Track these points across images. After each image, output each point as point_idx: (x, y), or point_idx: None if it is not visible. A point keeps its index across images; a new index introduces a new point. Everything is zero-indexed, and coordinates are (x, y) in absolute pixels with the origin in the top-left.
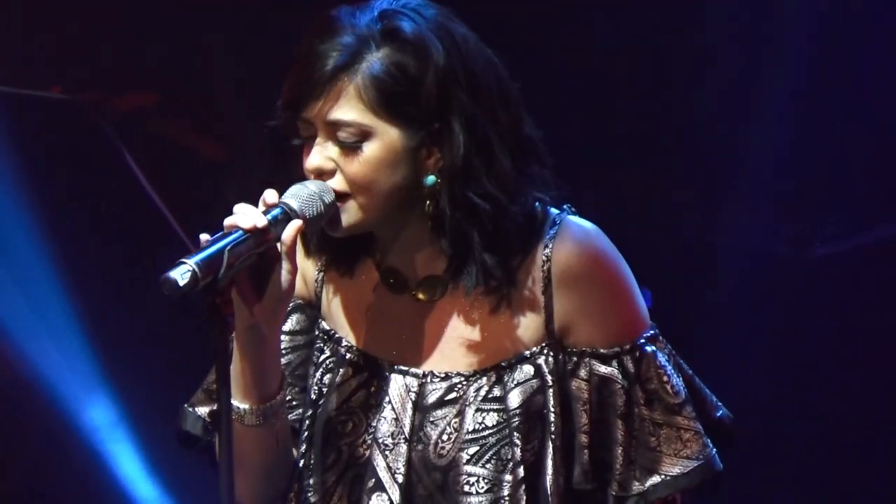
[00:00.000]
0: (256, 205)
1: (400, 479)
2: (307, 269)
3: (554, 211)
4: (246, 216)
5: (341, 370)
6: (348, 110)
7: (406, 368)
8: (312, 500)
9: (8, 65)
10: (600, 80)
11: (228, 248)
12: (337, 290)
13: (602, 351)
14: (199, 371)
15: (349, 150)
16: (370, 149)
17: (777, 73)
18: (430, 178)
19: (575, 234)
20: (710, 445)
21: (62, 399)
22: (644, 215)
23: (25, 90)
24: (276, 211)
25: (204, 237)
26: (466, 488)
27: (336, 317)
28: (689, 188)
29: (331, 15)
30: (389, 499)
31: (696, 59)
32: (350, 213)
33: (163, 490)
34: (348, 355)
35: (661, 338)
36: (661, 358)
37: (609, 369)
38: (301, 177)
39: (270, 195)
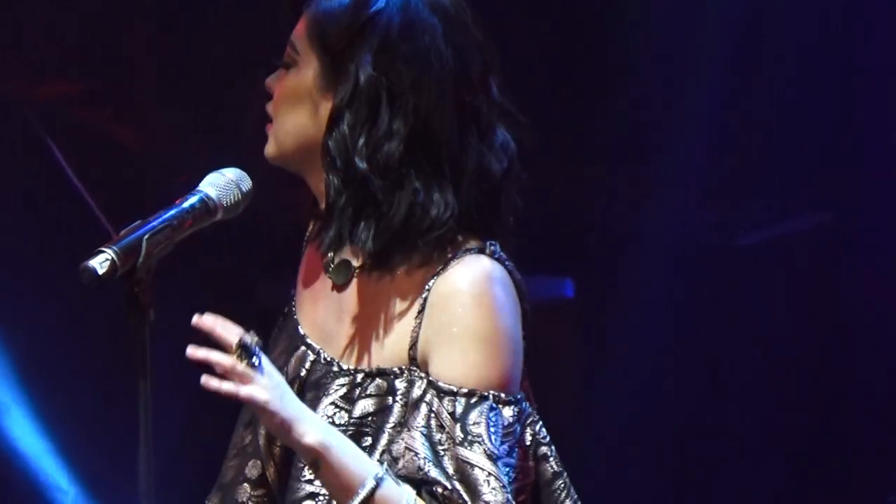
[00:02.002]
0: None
1: (275, 448)
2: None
3: (473, 244)
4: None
5: (278, 337)
6: (297, 35)
7: (310, 342)
8: (230, 453)
9: None
10: (523, 67)
11: (147, 236)
12: (303, 268)
13: (441, 385)
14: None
15: (282, 73)
16: (291, 75)
17: (701, 61)
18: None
19: (467, 268)
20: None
21: None
22: (568, 202)
23: None
24: (193, 199)
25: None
26: (305, 474)
27: (298, 302)
28: (614, 175)
29: None
30: (262, 465)
31: (620, 47)
32: (272, 138)
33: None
34: (294, 324)
35: (519, 410)
36: (501, 421)
37: (438, 404)
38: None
39: None
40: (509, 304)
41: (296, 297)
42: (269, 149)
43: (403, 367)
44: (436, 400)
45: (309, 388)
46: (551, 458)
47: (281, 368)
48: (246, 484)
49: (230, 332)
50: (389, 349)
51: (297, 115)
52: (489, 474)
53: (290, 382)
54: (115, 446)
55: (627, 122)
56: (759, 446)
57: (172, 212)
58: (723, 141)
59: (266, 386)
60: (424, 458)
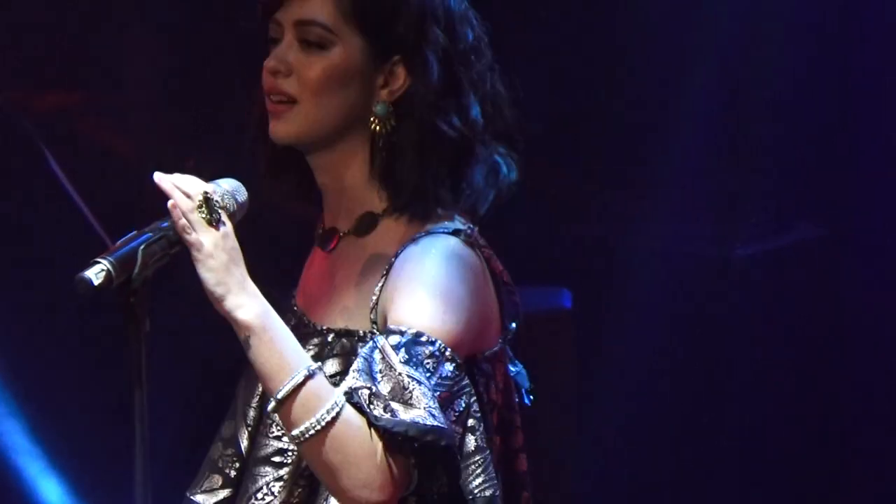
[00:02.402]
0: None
1: (249, 411)
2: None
3: (448, 227)
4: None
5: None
6: (322, 11)
7: (295, 309)
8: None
9: None
10: (519, 83)
11: (142, 246)
12: (309, 261)
13: (390, 326)
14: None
15: (311, 52)
16: (331, 55)
17: (696, 73)
18: (381, 107)
19: (434, 240)
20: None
21: None
22: (566, 214)
23: None
24: None
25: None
26: (273, 431)
27: (302, 280)
28: (610, 187)
29: None
30: (235, 426)
31: (614, 61)
32: (291, 120)
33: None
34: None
35: (459, 372)
36: (436, 368)
37: (384, 342)
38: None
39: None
40: (473, 280)
41: (297, 289)
42: (291, 128)
43: (365, 330)
44: (382, 338)
45: None
46: (478, 433)
47: None
48: (219, 442)
49: (195, 185)
50: (356, 312)
51: (343, 96)
52: (433, 394)
53: None
54: (111, 456)
55: (623, 133)
56: (755, 456)
57: (169, 222)
58: (718, 152)
59: (216, 243)
60: (357, 370)
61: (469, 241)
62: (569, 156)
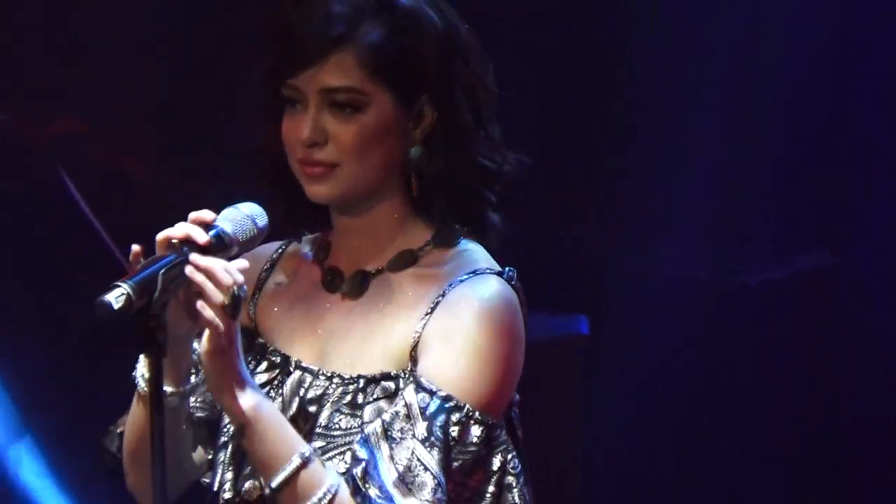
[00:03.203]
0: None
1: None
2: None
3: (489, 263)
4: (198, 231)
5: (259, 369)
6: (347, 77)
7: (306, 366)
8: (210, 481)
9: None
10: (529, 107)
11: (163, 271)
12: (273, 300)
13: (422, 381)
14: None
15: (344, 119)
16: (366, 117)
17: (704, 101)
18: (416, 151)
19: (483, 286)
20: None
21: None
22: (578, 244)
23: None
24: (211, 233)
25: (135, 248)
26: None
27: (270, 329)
28: (622, 215)
29: None
30: (260, 484)
31: (622, 88)
32: (334, 182)
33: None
34: (270, 357)
35: (488, 434)
36: (472, 436)
37: (412, 397)
38: (273, 153)
39: (208, 215)
40: (517, 332)
41: (259, 321)
42: (334, 191)
43: (406, 370)
44: (412, 392)
45: (309, 404)
46: (515, 490)
47: (269, 398)
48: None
49: (227, 277)
50: (395, 352)
51: (382, 151)
52: (439, 485)
53: (287, 404)
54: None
55: (633, 161)
56: (761, 474)
57: (189, 246)
58: (726, 179)
59: (233, 337)
60: (374, 433)
61: (513, 284)
62: (580, 184)
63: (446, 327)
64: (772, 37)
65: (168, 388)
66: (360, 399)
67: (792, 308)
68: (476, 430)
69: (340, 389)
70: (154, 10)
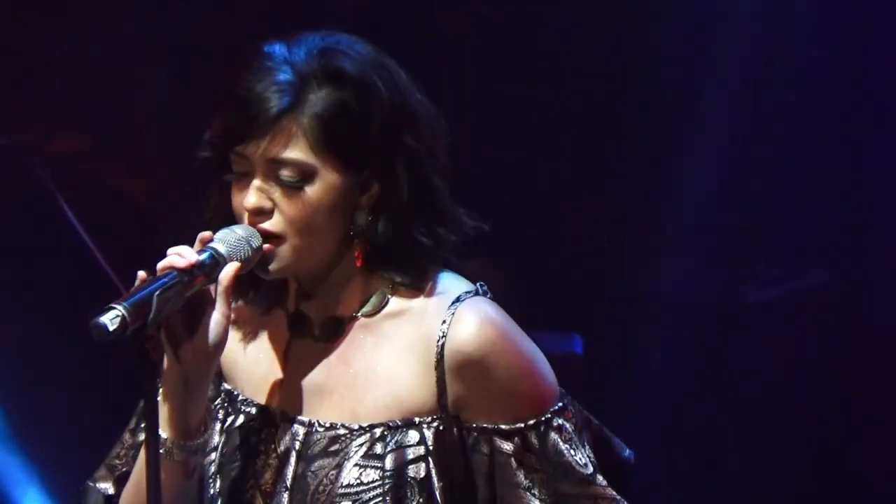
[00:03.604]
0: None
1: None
2: None
3: (463, 286)
4: (181, 256)
5: (236, 423)
6: (292, 149)
7: (294, 416)
8: None
9: None
10: (535, 122)
11: (157, 292)
12: (239, 344)
13: (503, 427)
14: (104, 413)
15: (290, 191)
16: (313, 190)
17: (709, 117)
18: (362, 217)
19: (474, 317)
20: None
21: None
22: (575, 262)
23: None
24: (204, 255)
25: (141, 274)
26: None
27: (235, 373)
28: (620, 235)
29: (264, 51)
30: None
31: (628, 107)
32: (282, 257)
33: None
34: (243, 408)
35: (570, 406)
36: (569, 430)
37: (511, 446)
38: (226, 215)
39: (207, 235)
40: (514, 327)
41: (232, 389)
42: (285, 263)
43: (434, 416)
44: (506, 444)
45: (316, 458)
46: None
47: (256, 452)
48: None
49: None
50: (408, 400)
51: (329, 222)
52: (595, 499)
53: (283, 460)
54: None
55: (635, 177)
56: (762, 496)
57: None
58: (732, 199)
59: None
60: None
61: (488, 297)
62: (580, 200)
63: (479, 385)
64: (782, 56)
65: (175, 439)
66: (378, 449)
67: (796, 328)
68: (569, 416)
69: (356, 442)
70: (162, 28)
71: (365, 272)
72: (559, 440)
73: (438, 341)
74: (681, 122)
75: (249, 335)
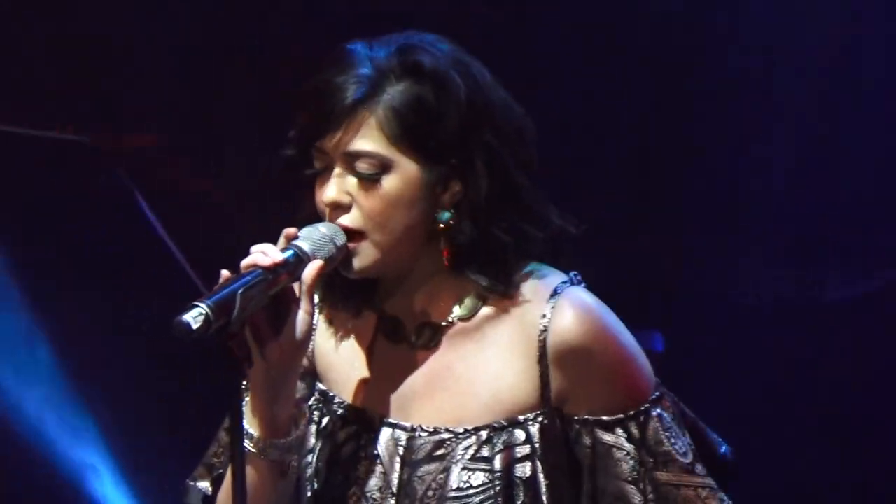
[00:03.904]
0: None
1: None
2: None
3: (557, 277)
4: (264, 254)
5: (332, 425)
6: (369, 141)
7: (395, 421)
8: None
9: (15, 103)
10: (605, 127)
11: (241, 290)
12: (332, 346)
13: (605, 419)
14: (188, 411)
15: (367, 184)
16: (389, 182)
17: (785, 119)
18: (446, 214)
19: (575, 308)
20: (726, 500)
21: (48, 442)
22: (655, 261)
23: (32, 129)
24: (288, 253)
25: (225, 273)
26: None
27: (330, 374)
28: (698, 232)
29: (347, 48)
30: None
31: (703, 106)
32: (364, 254)
33: None
34: (339, 410)
35: (666, 395)
36: (668, 419)
37: (613, 437)
38: (309, 214)
39: (291, 231)
40: (613, 317)
41: (319, 367)
42: (368, 262)
43: (538, 411)
44: (607, 435)
45: (421, 464)
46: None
47: (357, 458)
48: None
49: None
50: (512, 398)
51: (409, 217)
52: (696, 488)
53: (389, 465)
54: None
55: (711, 176)
56: (843, 497)
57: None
58: (810, 198)
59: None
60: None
61: (582, 285)
62: (657, 201)
63: (581, 376)
64: (857, 52)
65: (266, 438)
66: (486, 451)
67: (874, 326)
68: (667, 404)
69: (462, 445)
70: (239, 28)
71: (453, 273)
72: (659, 428)
73: (540, 335)
74: (756, 119)
75: (342, 337)
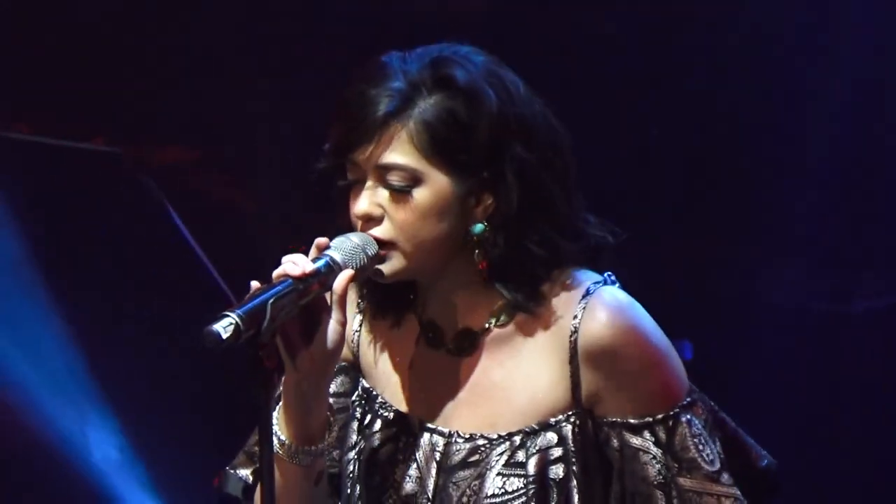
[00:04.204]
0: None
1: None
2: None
3: (590, 278)
4: (295, 264)
5: (373, 425)
6: (401, 154)
7: (433, 426)
8: None
9: (49, 115)
10: (639, 136)
11: (272, 300)
12: (376, 345)
13: (633, 422)
14: (212, 417)
15: (399, 196)
16: (420, 195)
17: (817, 128)
18: (479, 227)
19: (606, 308)
20: None
21: (70, 439)
22: (685, 269)
23: (66, 141)
24: (320, 263)
25: (255, 284)
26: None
27: (373, 372)
28: (729, 242)
29: (381, 60)
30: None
31: (735, 112)
32: (395, 262)
33: None
34: (381, 411)
35: (700, 402)
36: (698, 425)
37: (640, 440)
38: (344, 225)
39: (323, 241)
40: (646, 317)
41: (371, 388)
42: (398, 268)
43: (569, 412)
44: (635, 438)
45: (456, 469)
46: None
47: (395, 461)
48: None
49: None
50: (545, 401)
51: (439, 229)
52: (719, 497)
53: (425, 471)
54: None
55: (742, 186)
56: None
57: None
58: (841, 208)
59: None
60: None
61: (616, 284)
62: (688, 210)
63: (612, 373)
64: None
65: (299, 445)
66: (520, 456)
67: None
68: (699, 412)
69: (496, 451)
70: (267, 38)
71: (488, 283)
72: (687, 434)
73: (571, 336)
74: (792, 130)
75: (387, 337)
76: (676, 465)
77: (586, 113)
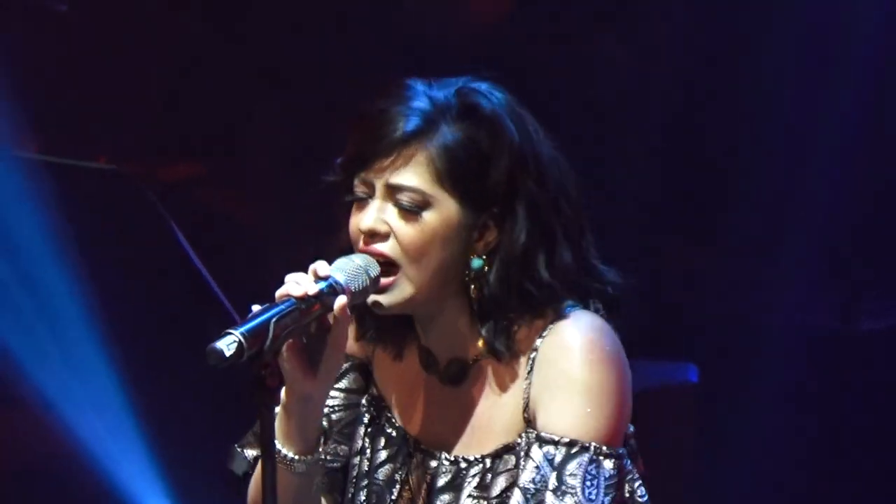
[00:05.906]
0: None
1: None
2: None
3: (570, 304)
4: (298, 284)
5: (377, 439)
6: (415, 176)
7: (428, 449)
8: None
9: (54, 134)
10: (643, 156)
11: (275, 319)
12: (387, 361)
13: (543, 434)
14: (235, 433)
15: (407, 215)
16: (429, 218)
17: (823, 149)
18: (477, 262)
19: (570, 324)
20: None
21: (102, 461)
22: (690, 288)
23: (71, 159)
24: (323, 284)
25: (256, 308)
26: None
27: (384, 386)
28: (735, 261)
29: (405, 82)
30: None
31: (739, 137)
32: (398, 290)
33: None
34: (387, 427)
35: (617, 461)
36: (601, 472)
37: (539, 454)
38: (344, 242)
39: (322, 267)
40: (618, 357)
41: (385, 398)
42: (401, 297)
43: (522, 433)
44: (537, 449)
45: (441, 492)
46: None
47: (392, 480)
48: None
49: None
50: (509, 422)
51: (442, 256)
52: None
53: (416, 491)
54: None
55: (747, 207)
56: None
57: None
58: (845, 228)
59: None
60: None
61: (601, 315)
62: (693, 230)
63: (550, 378)
64: None
65: (296, 455)
66: (487, 478)
67: None
68: (608, 464)
69: (471, 473)
70: (274, 51)
71: (477, 317)
72: (584, 469)
73: (531, 354)
74: (799, 150)
75: (393, 360)
76: (555, 484)
77: (591, 135)
